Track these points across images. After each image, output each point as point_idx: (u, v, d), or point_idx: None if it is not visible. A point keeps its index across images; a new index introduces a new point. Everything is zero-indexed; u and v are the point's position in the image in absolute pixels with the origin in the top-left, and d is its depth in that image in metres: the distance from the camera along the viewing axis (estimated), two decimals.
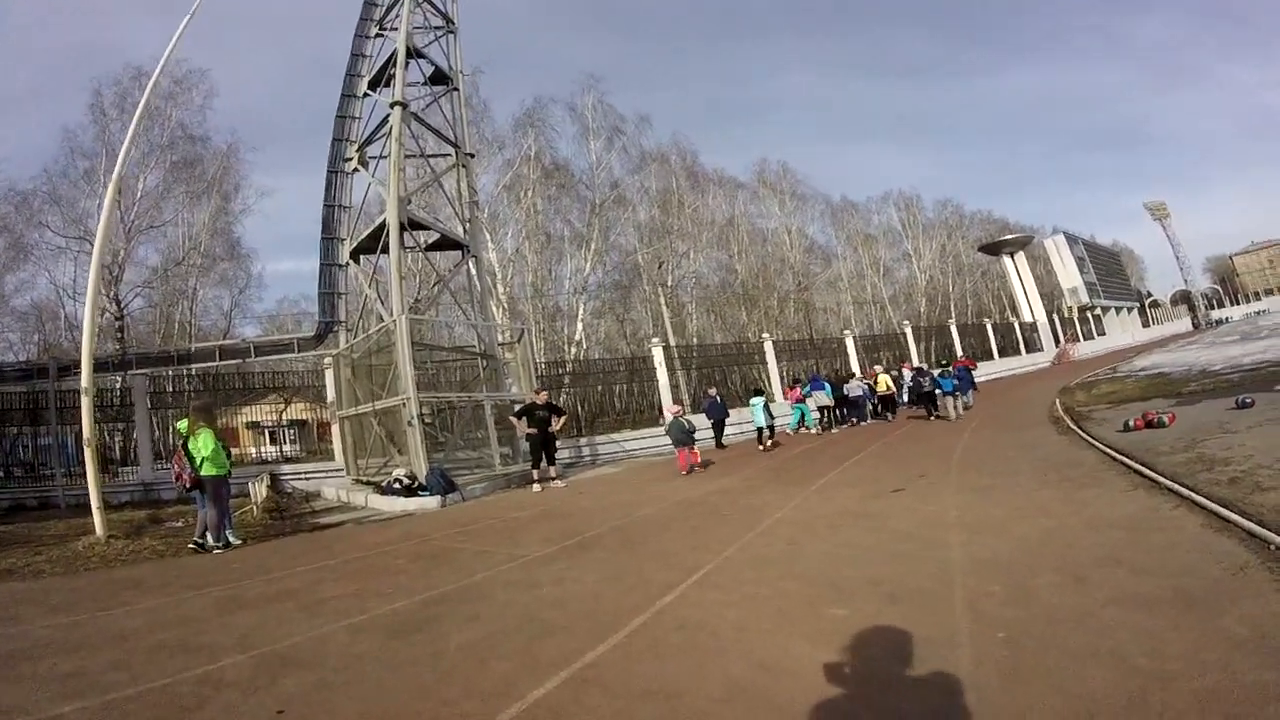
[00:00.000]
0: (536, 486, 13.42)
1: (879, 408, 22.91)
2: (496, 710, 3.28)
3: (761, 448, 17.04)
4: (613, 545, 7.21)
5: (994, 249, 68.56)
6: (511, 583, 5.88)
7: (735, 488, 10.88)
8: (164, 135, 34.14)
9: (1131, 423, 10.47)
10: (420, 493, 12.85)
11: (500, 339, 19.56)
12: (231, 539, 9.65)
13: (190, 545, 9.37)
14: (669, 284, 41.84)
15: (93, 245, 30.97)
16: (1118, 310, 79.07)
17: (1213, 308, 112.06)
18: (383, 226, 16.41)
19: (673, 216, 43.94)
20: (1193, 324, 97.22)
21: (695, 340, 38.53)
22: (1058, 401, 17.52)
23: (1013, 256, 67.80)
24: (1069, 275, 73.40)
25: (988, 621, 3.78)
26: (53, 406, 19.73)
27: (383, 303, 17.95)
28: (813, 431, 21.14)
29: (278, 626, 5.06)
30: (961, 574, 4.73)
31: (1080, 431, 11.35)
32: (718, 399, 20.20)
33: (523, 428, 13.92)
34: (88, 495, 15.81)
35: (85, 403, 10.97)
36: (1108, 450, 8.85)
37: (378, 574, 6.74)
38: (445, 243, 19.18)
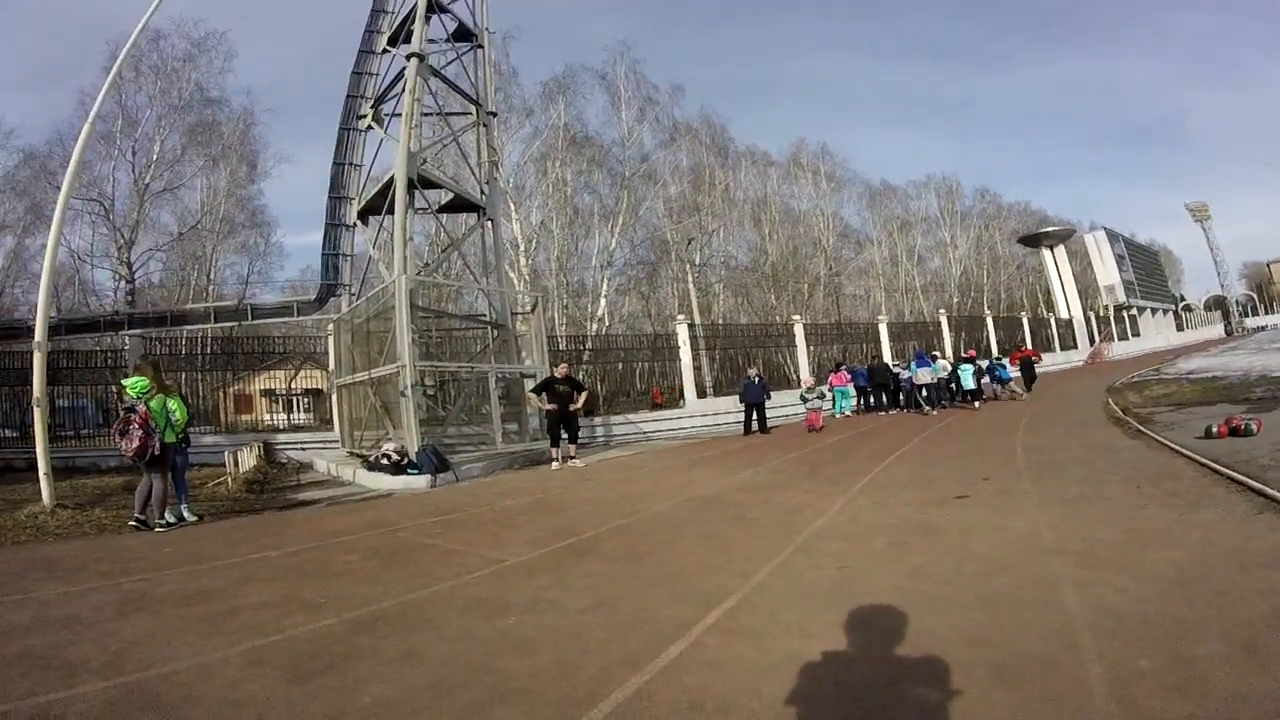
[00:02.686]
0: (555, 465, 12.85)
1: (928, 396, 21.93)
2: None
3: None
4: (612, 553, 5.89)
5: (1034, 241, 66.80)
6: (475, 602, 4.60)
7: (763, 482, 9.63)
8: (181, 97, 33.68)
9: (1215, 429, 9.24)
10: (409, 470, 11.79)
11: (516, 309, 18.59)
12: (186, 515, 8.68)
13: (131, 523, 8.28)
14: (697, 262, 40.74)
15: (108, 209, 31.13)
16: (1154, 312, 77.38)
17: (1246, 315, 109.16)
18: (390, 184, 15.53)
19: (703, 193, 42.75)
20: (1225, 331, 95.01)
21: (721, 320, 37.29)
22: (1110, 401, 16.42)
23: (1052, 250, 65.94)
24: (1108, 273, 71.75)
25: None
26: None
27: (387, 266, 17.07)
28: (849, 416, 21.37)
29: (167, 642, 3.98)
30: (1091, 634, 3.36)
31: (1153, 434, 10.17)
32: (755, 380, 19.12)
33: (541, 403, 13.26)
34: (82, 459, 14.67)
35: (38, 359, 10.06)
36: (1205, 461, 7.54)
37: (318, 574, 5.55)
38: (460, 204, 18.17)
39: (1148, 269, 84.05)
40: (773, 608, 4.18)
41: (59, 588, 5.34)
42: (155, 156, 32.27)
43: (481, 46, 18.70)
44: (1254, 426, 8.99)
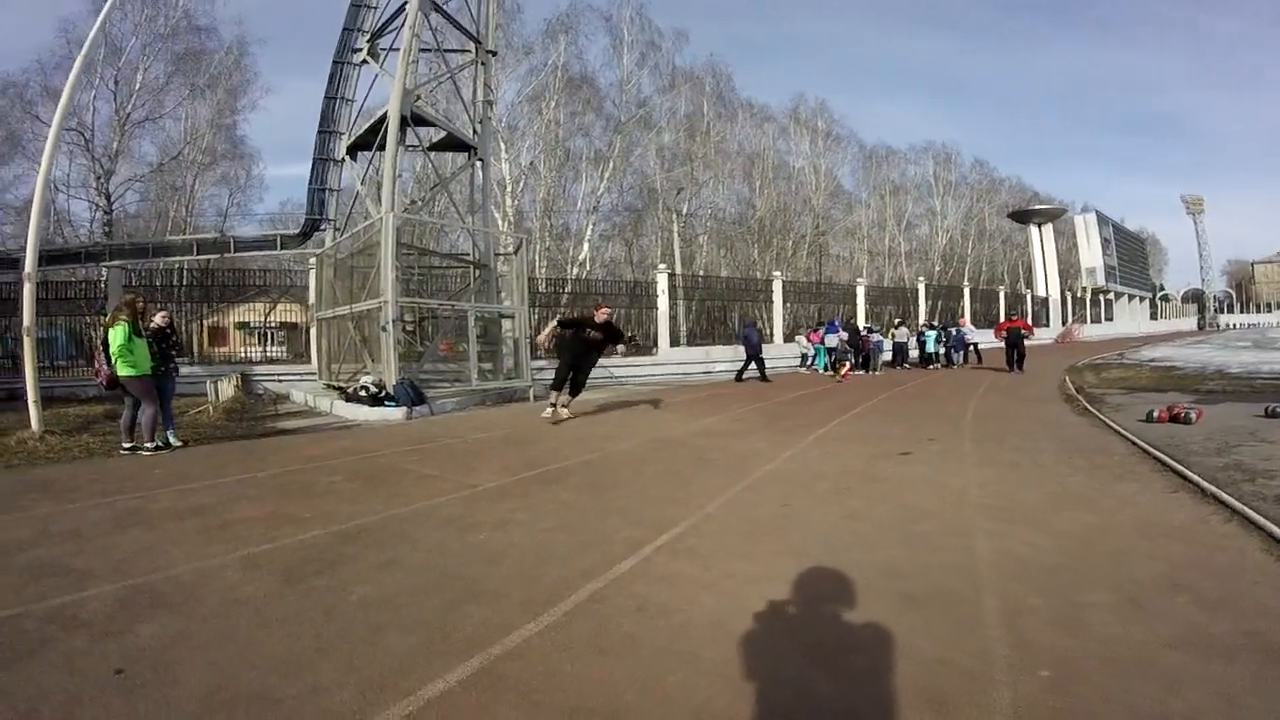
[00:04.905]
0: (549, 411, 11.08)
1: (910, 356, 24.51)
2: (374, 710, 2.44)
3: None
4: (576, 484, 6.33)
5: (1023, 217, 67.48)
6: (448, 520, 5.03)
7: (725, 429, 10.08)
8: (168, 25, 32.81)
9: (1156, 414, 9.76)
10: (386, 403, 12.15)
11: (499, 249, 18.69)
12: (172, 440, 8.96)
13: (122, 450, 8.60)
14: (684, 212, 40.75)
15: (88, 139, 30.69)
16: (1130, 298, 78.55)
17: (1221, 311, 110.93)
18: (383, 120, 15.48)
19: (698, 143, 42.43)
20: (1198, 324, 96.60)
21: (702, 272, 37.42)
22: (1068, 379, 17.01)
23: (1040, 228, 66.47)
24: (1092, 254, 72.55)
25: (1030, 650, 2.95)
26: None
27: (373, 202, 17.02)
28: (822, 373, 22.26)
29: (167, 551, 4.31)
30: (994, 575, 3.85)
31: (1098, 414, 10.63)
32: (756, 331, 20.15)
33: (546, 337, 11.18)
34: (60, 389, 14.89)
35: (27, 290, 10.28)
36: (1138, 441, 8.01)
37: (303, 494, 5.92)
38: (451, 143, 18.13)
39: (1131, 255, 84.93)
40: (717, 535, 4.65)
41: (57, 506, 5.56)
42: (138, 85, 31.59)
43: None
44: (1193, 415, 9.44)
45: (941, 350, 25.45)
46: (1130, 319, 73.40)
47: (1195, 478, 6.07)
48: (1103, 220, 75.10)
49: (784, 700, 2.57)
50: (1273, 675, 2.73)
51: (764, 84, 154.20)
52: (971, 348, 25.61)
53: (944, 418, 11.01)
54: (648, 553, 4.23)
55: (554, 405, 11.01)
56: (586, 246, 36.26)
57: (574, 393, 11.23)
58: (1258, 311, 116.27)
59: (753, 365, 19.33)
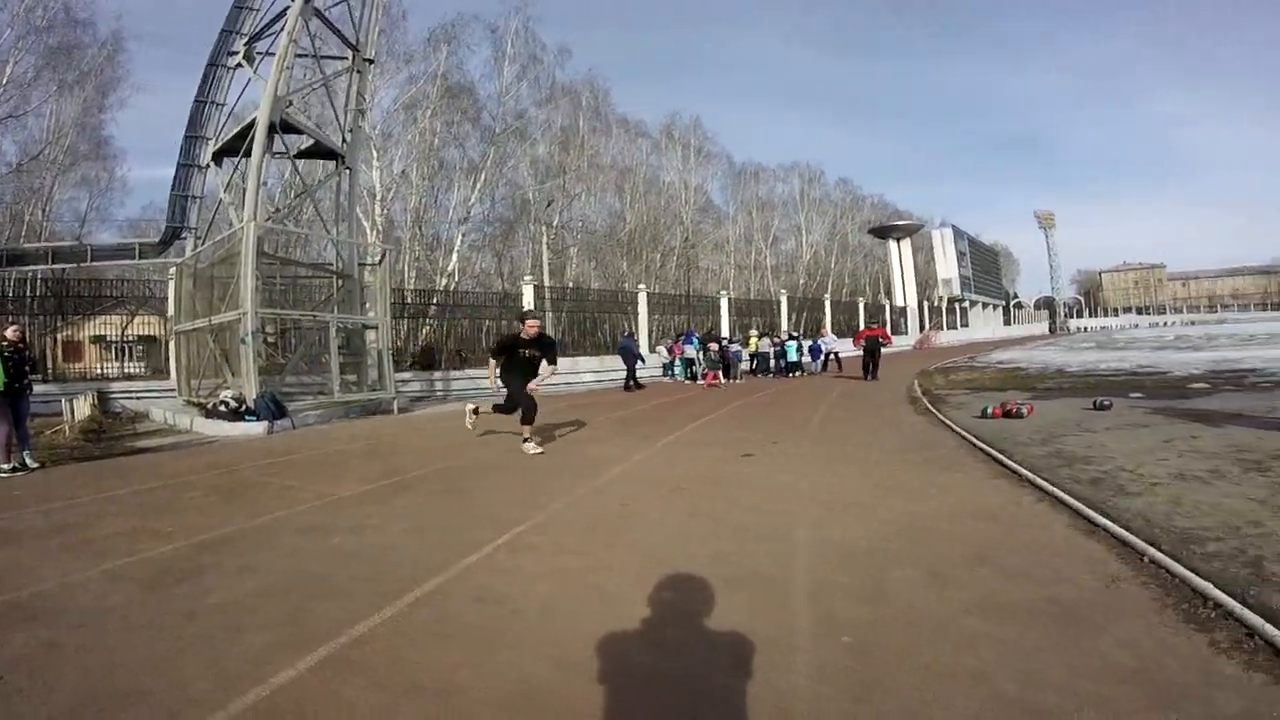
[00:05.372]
0: (470, 420, 10.05)
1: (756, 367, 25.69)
2: (230, 696, 2.79)
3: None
4: (431, 490, 6.82)
5: (883, 232, 70.98)
6: (305, 527, 5.40)
7: (582, 436, 10.69)
8: (46, 18, 30.76)
9: (990, 410, 10.51)
10: (247, 418, 12.14)
11: (364, 259, 18.48)
12: (29, 461, 8.85)
13: None
14: (554, 224, 41.07)
15: None
16: (984, 306, 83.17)
17: (1071, 316, 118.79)
18: (251, 125, 15.28)
19: (571, 156, 43.04)
20: (1050, 329, 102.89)
21: (572, 284, 37.88)
22: (916, 383, 17.84)
23: (899, 242, 69.77)
24: (948, 266, 76.55)
25: (833, 620, 3.37)
26: None
27: (237, 211, 16.60)
28: (685, 382, 23.29)
29: (33, 568, 4.52)
30: (811, 559, 4.32)
31: (938, 413, 11.47)
32: (634, 342, 21.61)
33: (492, 377, 9.54)
34: None
35: None
36: (966, 435, 8.84)
37: (166, 509, 6.15)
38: (319, 150, 17.89)
39: (985, 266, 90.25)
40: (557, 533, 5.09)
41: None
42: (5, 79, 29.52)
43: None
44: (1024, 411, 10.20)
45: (804, 359, 26.47)
46: (985, 325, 77.85)
47: (1014, 465, 6.79)
48: (958, 234, 79.60)
49: (602, 669, 2.93)
50: (1062, 634, 3.12)
51: (644, 100, 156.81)
52: (833, 356, 26.73)
53: (793, 422, 11.59)
54: (489, 550, 4.61)
55: (475, 412, 9.96)
56: (455, 257, 36.06)
57: (527, 420, 9.22)
58: (1105, 316, 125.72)
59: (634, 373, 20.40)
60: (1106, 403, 10.82)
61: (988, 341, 60.73)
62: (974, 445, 8.18)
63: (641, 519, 5.43)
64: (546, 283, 32.14)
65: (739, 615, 3.43)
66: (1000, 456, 7.24)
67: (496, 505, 5.99)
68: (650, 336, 27.83)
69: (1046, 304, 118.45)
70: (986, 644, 3.05)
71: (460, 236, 36.50)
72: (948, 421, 10.32)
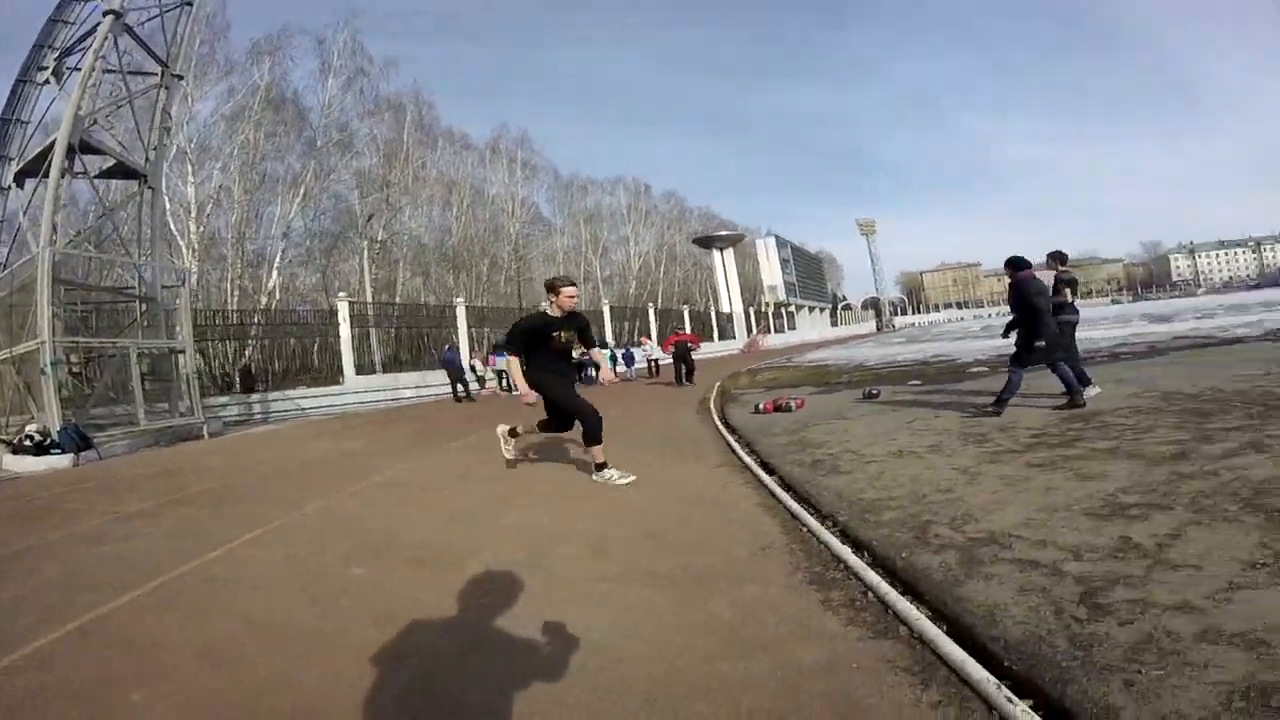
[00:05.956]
0: (508, 449, 7.58)
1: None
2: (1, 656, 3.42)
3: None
4: (206, 503, 7.32)
5: (707, 242, 73.06)
6: (85, 538, 6.00)
7: (365, 449, 11.05)
8: None
9: (761, 406, 10.89)
10: (52, 451, 12.20)
11: (169, 282, 18.05)
12: None
13: None
14: (379, 239, 40.97)
15: None
16: (811, 309, 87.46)
17: (897, 314, 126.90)
18: (53, 146, 14.95)
19: (396, 169, 43.22)
20: (877, 327, 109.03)
21: (400, 299, 38.15)
22: (719, 384, 18.07)
23: (722, 251, 72.28)
24: (773, 273, 79.83)
25: (487, 587, 3.86)
26: None
27: (34, 235, 16.01)
28: (500, 394, 23.71)
29: None
30: (500, 540, 4.78)
31: (712, 412, 11.73)
32: (456, 353, 22.22)
33: (518, 375, 6.53)
34: None
35: None
36: (721, 429, 9.37)
37: None
38: (123, 171, 17.42)
39: (810, 272, 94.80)
40: (298, 531, 5.63)
41: None
42: None
43: (191, 4, 18.26)
44: (794, 404, 10.58)
45: (618, 366, 27.52)
46: (812, 327, 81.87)
47: (740, 453, 7.29)
48: (781, 243, 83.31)
49: (278, 621, 3.63)
50: (685, 596, 3.48)
51: (473, 114, 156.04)
52: (653, 363, 27.70)
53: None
54: (235, 545, 5.22)
55: (513, 434, 7.51)
56: (276, 274, 35.22)
57: (590, 438, 6.56)
58: (928, 312, 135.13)
59: (460, 385, 21.11)
60: (875, 391, 11.29)
61: (813, 342, 63.66)
62: (723, 437, 8.67)
63: (382, 515, 5.97)
64: (369, 299, 32.05)
65: (411, 587, 3.97)
66: (735, 446, 7.73)
67: (258, 510, 6.49)
68: (471, 349, 28.15)
69: (873, 304, 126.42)
70: (609, 603, 3.48)
71: (281, 252, 35.75)
72: (716, 419, 10.64)
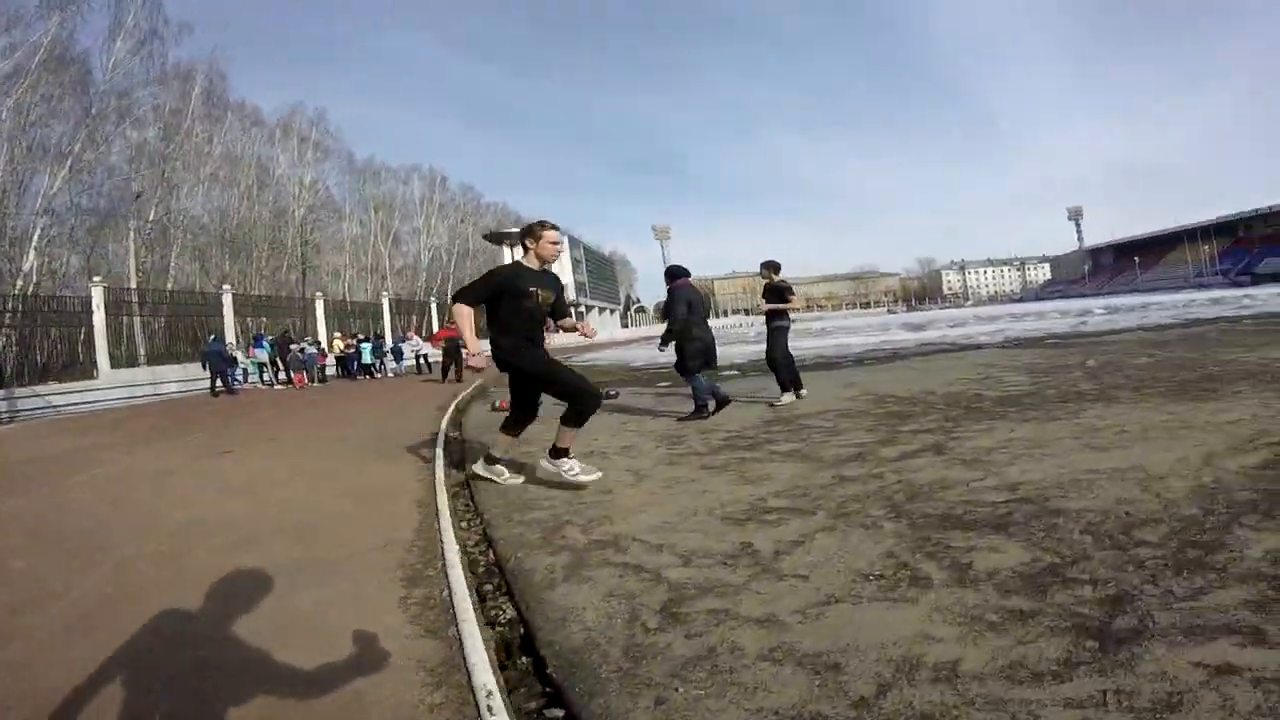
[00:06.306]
0: (504, 475, 5.76)
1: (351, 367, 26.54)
2: None
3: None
4: None
5: (499, 238, 72.14)
6: None
7: (112, 443, 10.59)
8: None
9: (498, 403, 10.75)
10: None
11: None
12: None
13: None
14: (150, 219, 38.63)
15: None
16: (602, 310, 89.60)
17: None
18: None
19: (177, 144, 40.65)
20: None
21: (173, 286, 36.18)
22: (480, 381, 17.54)
23: (512, 248, 72.38)
24: (564, 272, 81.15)
25: (118, 579, 3.88)
26: None
27: None
28: (260, 387, 23.65)
29: None
30: (160, 530, 4.85)
31: (448, 408, 12.01)
32: (223, 344, 21.53)
33: (470, 332, 5.32)
34: None
35: None
36: (443, 428, 9.42)
37: None
38: None
39: (602, 273, 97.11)
40: None
41: None
42: None
43: None
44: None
45: (379, 361, 28.21)
46: (602, 328, 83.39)
47: (439, 450, 7.32)
48: (574, 243, 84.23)
49: None
50: (291, 586, 3.46)
51: (275, 91, 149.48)
52: (421, 358, 28.15)
53: (312, 421, 12.13)
54: None
55: (499, 459, 5.80)
56: (33, 254, 32.71)
57: (573, 419, 5.23)
58: (719, 317, 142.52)
59: (219, 379, 20.30)
60: (614, 393, 11.49)
61: (600, 343, 65.50)
62: (436, 435, 8.59)
63: (71, 506, 5.95)
64: (134, 284, 30.58)
65: (22, 562, 4.21)
66: (440, 444, 7.76)
67: None
68: (239, 339, 27.62)
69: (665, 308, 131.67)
70: (213, 573, 3.66)
71: (38, 231, 32.47)
72: (445, 417, 10.69)
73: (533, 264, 5.36)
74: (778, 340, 9.13)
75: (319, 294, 36.48)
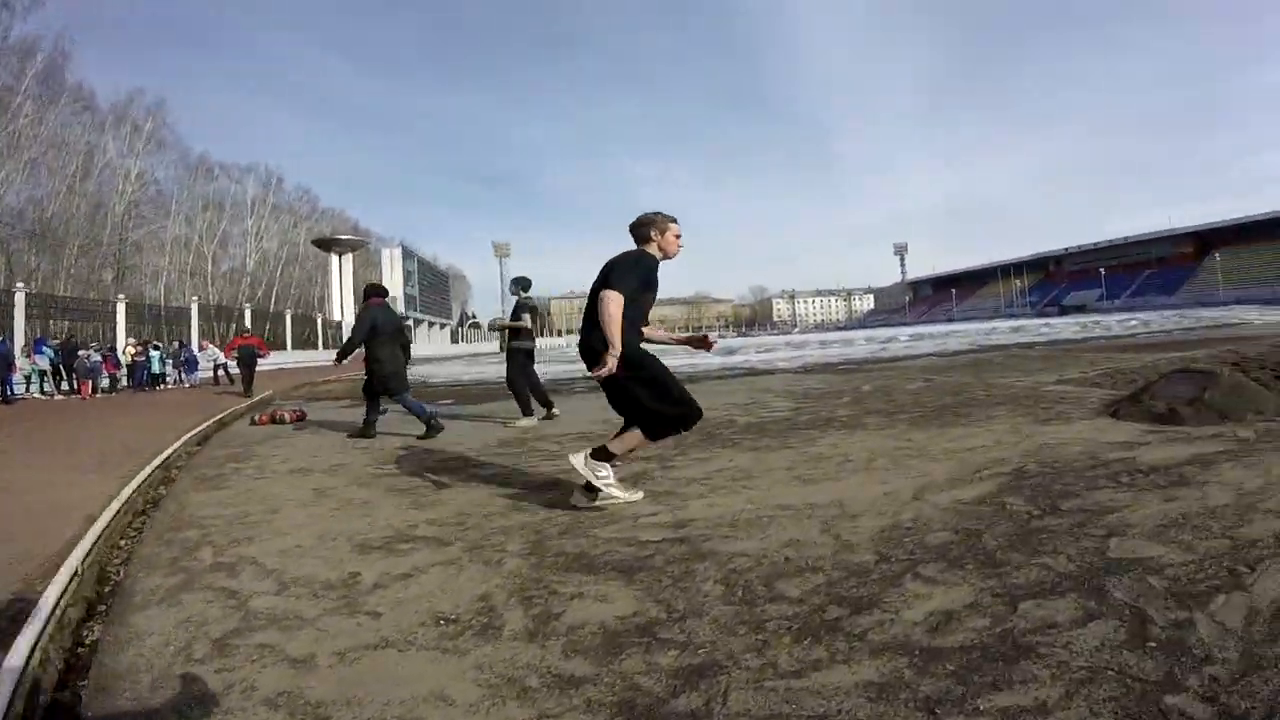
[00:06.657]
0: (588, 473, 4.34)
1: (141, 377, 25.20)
2: None
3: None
4: None
5: (327, 245, 70.14)
6: None
7: None
8: None
9: (258, 418, 10.71)
10: None
11: None
12: None
13: None
14: None
15: None
16: (431, 325, 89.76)
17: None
18: None
19: (2, 124, 39.43)
20: (500, 347, 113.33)
21: None
22: (270, 392, 17.57)
23: (341, 256, 69.80)
24: (394, 284, 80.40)
25: None
26: None
27: None
28: (39, 397, 21.90)
29: None
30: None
31: (212, 420, 11.21)
32: (7, 347, 20.36)
33: (616, 323, 4.08)
34: None
35: None
36: (183, 438, 8.93)
37: None
38: None
39: (435, 287, 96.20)
40: None
41: None
42: None
43: None
44: (287, 417, 10.50)
45: (169, 370, 26.98)
46: (429, 344, 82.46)
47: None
48: (408, 254, 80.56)
49: None
50: None
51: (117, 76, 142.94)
52: (220, 368, 25.66)
53: (49, 436, 11.03)
54: None
55: (602, 456, 4.41)
56: None
57: (657, 436, 4.44)
58: (555, 336, 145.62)
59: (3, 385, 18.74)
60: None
61: (431, 359, 64.17)
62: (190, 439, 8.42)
63: None
64: None
65: None
66: (159, 457, 7.29)
67: None
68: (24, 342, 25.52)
69: (498, 327, 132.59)
70: None
71: None
72: (194, 430, 9.84)
73: (659, 256, 4.57)
74: (514, 361, 8.79)
75: (121, 296, 34.50)
